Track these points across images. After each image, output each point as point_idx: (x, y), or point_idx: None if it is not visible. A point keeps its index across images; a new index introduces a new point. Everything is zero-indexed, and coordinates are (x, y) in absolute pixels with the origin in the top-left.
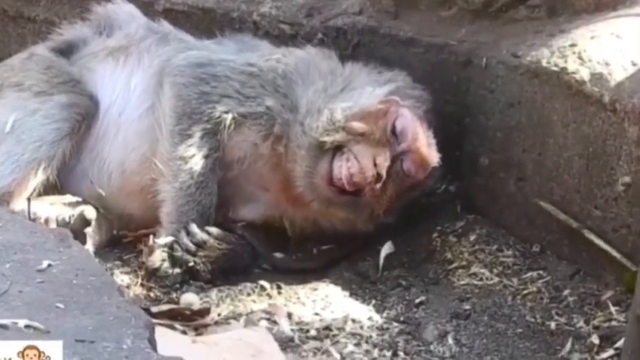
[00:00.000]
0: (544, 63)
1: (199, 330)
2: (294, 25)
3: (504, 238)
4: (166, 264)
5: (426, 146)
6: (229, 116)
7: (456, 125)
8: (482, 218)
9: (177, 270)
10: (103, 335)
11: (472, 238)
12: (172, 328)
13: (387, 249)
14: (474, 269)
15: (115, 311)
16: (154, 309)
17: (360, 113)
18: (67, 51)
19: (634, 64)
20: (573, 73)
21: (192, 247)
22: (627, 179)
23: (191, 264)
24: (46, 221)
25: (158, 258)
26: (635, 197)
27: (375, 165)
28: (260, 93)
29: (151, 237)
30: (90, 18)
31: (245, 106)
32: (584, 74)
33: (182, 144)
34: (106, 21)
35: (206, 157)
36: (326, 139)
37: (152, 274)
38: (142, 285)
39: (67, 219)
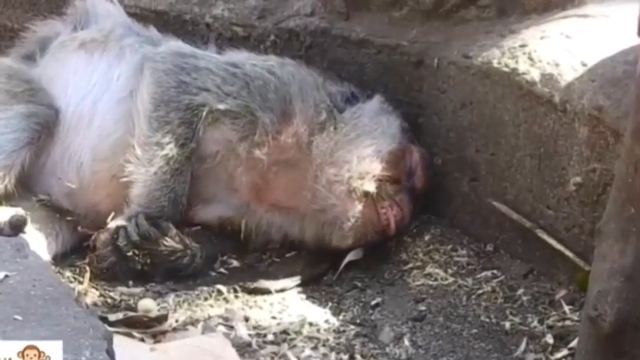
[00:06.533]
0: (495, 64)
1: (157, 337)
2: (247, 27)
3: (458, 237)
4: (108, 248)
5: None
6: (206, 110)
7: (409, 125)
8: (437, 218)
9: (112, 258)
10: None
11: (426, 238)
12: (130, 335)
13: (352, 255)
14: (428, 269)
15: (73, 322)
16: (112, 317)
17: (387, 158)
18: (39, 49)
19: (583, 65)
20: (524, 73)
21: (135, 237)
22: (578, 179)
23: (129, 254)
24: None
25: (103, 240)
26: (587, 197)
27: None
28: (244, 96)
29: (112, 214)
30: (67, 13)
31: (224, 102)
32: (534, 75)
33: (160, 130)
34: (82, 16)
35: (182, 145)
36: (369, 189)
37: (92, 252)
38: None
39: (1, 225)
